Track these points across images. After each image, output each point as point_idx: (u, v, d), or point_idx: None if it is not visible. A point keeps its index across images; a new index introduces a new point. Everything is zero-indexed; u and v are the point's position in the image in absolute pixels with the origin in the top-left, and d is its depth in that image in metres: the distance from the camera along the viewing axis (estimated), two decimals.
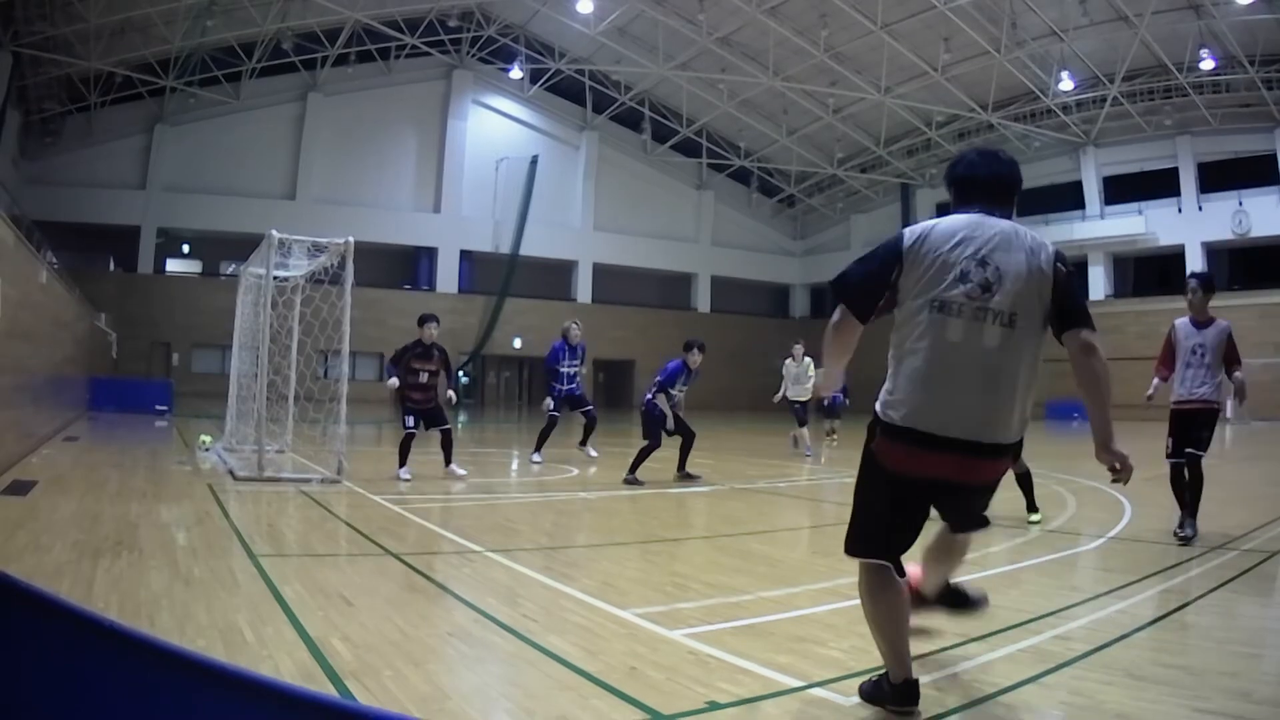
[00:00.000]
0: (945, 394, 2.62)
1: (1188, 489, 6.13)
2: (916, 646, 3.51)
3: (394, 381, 8.94)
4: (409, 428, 8.99)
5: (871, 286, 2.75)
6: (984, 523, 2.98)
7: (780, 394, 14.21)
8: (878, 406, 2.75)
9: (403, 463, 8.92)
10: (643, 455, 9.59)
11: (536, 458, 11.28)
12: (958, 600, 3.26)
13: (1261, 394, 26.13)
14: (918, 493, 2.74)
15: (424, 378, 9.09)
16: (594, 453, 11.60)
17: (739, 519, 7.55)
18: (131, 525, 5.74)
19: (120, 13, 26.20)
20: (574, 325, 11.63)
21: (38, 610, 1.26)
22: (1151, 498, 7.48)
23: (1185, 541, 5.85)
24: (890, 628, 2.78)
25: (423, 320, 9.25)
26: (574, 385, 11.62)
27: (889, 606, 2.78)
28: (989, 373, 2.61)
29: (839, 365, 2.94)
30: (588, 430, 11.62)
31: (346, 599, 4.05)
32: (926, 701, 2.81)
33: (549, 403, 11.54)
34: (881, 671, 2.85)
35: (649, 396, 9.94)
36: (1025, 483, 6.85)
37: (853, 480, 2.87)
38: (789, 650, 3.43)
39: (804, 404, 14.09)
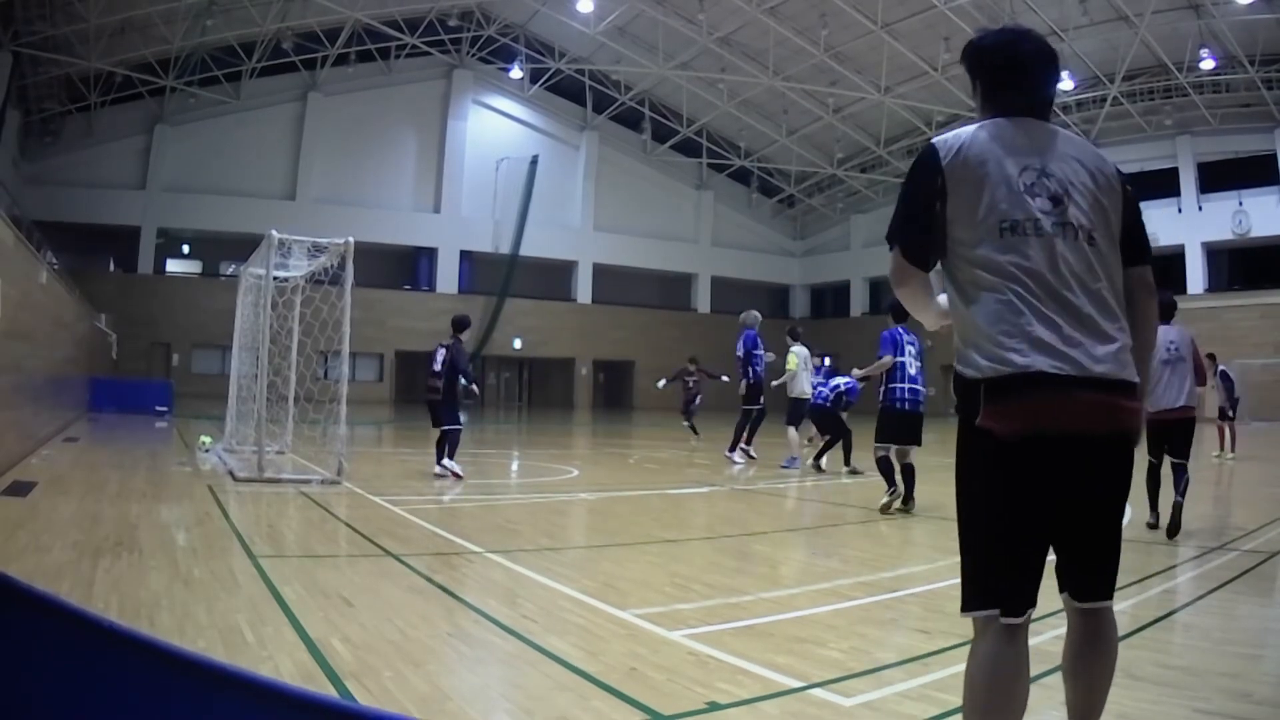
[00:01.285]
0: (1045, 327, 2.02)
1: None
2: (914, 647, 3.51)
3: (474, 386, 9.55)
4: (461, 424, 9.48)
5: (921, 219, 2.16)
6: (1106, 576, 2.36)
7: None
8: (966, 370, 2.10)
9: (453, 455, 9.40)
10: (847, 444, 10.27)
11: (739, 456, 11.60)
12: None
13: (1261, 394, 26.12)
14: (1047, 468, 2.07)
15: None
16: (754, 455, 11.89)
17: (739, 520, 7.55)
18: (131, 526, 5.74)
19: (120, 13, 26.17)
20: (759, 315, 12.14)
21: (38, 610, 1.25)
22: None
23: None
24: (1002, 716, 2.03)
25: (468, 323, 9.86)
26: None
27: (1011, 689, 2.05)
28: (1089, 297, 2.08)
29: (931, 310, 2.36)
30: (755, 429, 11.91)
31: (346, 600, 4.05)
32: (926, 702, 2.81)
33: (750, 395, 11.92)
34: None
35: (848, 387, 10.42)
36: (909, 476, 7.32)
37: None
38: (789, 651, 3.43)
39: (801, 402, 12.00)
